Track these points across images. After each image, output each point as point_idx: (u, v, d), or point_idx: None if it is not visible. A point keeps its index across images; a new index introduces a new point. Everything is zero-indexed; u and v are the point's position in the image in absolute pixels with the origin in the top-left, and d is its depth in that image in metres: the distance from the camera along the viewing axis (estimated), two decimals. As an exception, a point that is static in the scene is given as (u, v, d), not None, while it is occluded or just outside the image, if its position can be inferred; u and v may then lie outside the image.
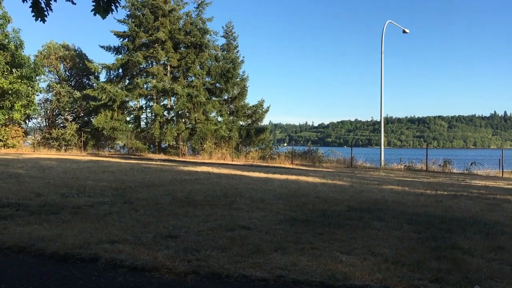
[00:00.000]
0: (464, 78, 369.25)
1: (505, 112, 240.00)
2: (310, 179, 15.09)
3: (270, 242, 5.80)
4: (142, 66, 36.47)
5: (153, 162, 23.07)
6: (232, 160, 29.26)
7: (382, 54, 28.78)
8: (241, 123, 37.38)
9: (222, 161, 27.81)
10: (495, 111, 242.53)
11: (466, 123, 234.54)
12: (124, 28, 43.41)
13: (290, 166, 25.73)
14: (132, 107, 38.18)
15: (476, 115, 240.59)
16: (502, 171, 24.02)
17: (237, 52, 38.09)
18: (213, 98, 37.18)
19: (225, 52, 37.81)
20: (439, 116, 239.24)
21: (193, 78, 36.88)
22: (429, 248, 5.74)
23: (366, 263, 4.99)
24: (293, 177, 15.48)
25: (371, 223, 7.28)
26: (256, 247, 5.51)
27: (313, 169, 23.09)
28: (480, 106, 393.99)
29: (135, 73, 36.87)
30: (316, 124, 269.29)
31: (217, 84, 37.15)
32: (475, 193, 12.20)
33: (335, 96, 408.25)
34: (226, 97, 37.97)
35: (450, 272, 4.73)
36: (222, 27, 40.57)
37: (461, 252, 5.52)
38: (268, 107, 37.39)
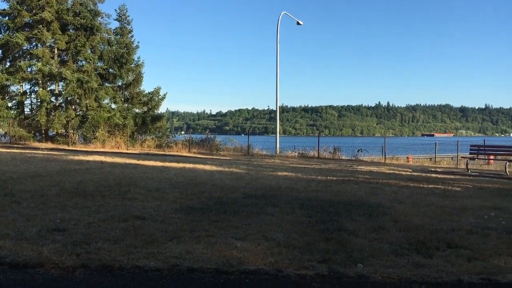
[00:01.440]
0: (353, 70, 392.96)
1: (388, 102, 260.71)
2: (207, 167, 15.12)
3: (165, 232, 5.72)
4: (25, 47, 33.66)
5: (39, 152, 21.54)
6: (127, 149, 28.32)
7: (278, 45, 29.56)
8: (136, 110, 36.19)
9: (116, 150, 26.79)
10: (379, 102, 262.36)
11: (354, 112, 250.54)
12: (4, 5, 39.66)
13: (188, 154, 25.56)
14: (14, 92, 35.13)
15: (363, 105, 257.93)
16: (385, 157, 26.03)
17: (132, 36, 36.72)
18: (106, 84, 35.52)
19: (119, 36, 36.24)
20: (330, 106, 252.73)
21: (83, 62, 34.85)
22: (318, 230, 6.04)
23: (259, 247, 5.12)
24: (190, 166, 15.40)
25: (265, 209, 7.48)
26: (151, 237, 5.40)
27: (210, 157, 23.16)
28: (366, 96, 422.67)
29: (17, 55, 33.92)
30: (214, 113, 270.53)
31: (110, 70, 35.52)
32: (360, 178, 13.08)
33: (233, 84, 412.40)
34: (120, 84, 36.48)
35: (336, 252, 5.03)
36: (115, 10, 38.61)
37: (347, 233, 5.89)
38: (165, 95, 36.66)
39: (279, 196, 8.85)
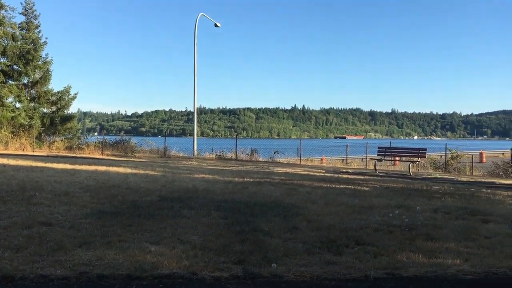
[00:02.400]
0: (270, 73, 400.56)
1: (303, 106, 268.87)
2: (121, 169, 14.62)
3: (73, 238, 5.43)
4: None
5: None
6: (34, 151, 26.60)
7: (195, 46, 29.36)
8: (44, 110, 34.02)
9: (21, 152, 25.06)
10: (295, 105, 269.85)
11: (271, 115, 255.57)
12: None
13: (100, 156, 24.54)
14: None
15: (280, 108, 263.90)
16: (300, 159, 26.81)
17: (39, 32, 34.52)
18: (10, 81, 33.06)
19: (25, 31, 33.95)
20: (248, 108, 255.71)
21: (-16, 58, 32.20)
22: (234, 232, 6.07)
23: (174, 251, 5.04)
24: (103, 168, 14.80)
25: (181, 211, 7.38)
26: (58, 244, 5.11)
27: (125, 159, 22.42)
28: (283, 99, 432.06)
29: None
30: (129, 113, 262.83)
31: (15, 67, 33.11)
32: (276, 179, 13.34)
33: (150, 85, 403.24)
34: (26, 82, 34.15)
35: (252, 253, 5.08)
36: (21, 3, 36.09)
37: (262, 234, 5.97)
38: (75, 94, 34.83)
39: (196, 199, 8.77)
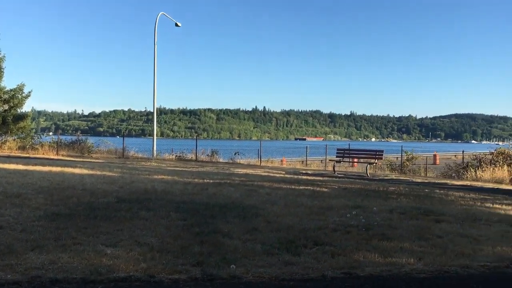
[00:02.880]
0: (232, 74, 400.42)
1: (264, 107, 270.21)
2: (77, 170, 14.23)
3: (25, 241, 5.24)
4: None
5: None
6: (-15, 151, 25.52)
7: (155, 45, 28.97)
8: (-5, 108, 32.72)
9: (-29, 152, 24.00)
10: (256, 106, 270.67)
11: (232, 116, 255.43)
12: None
13: (55, 157, 23.82)
14: None
15: (241, 109, 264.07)
16: (260, 160, 26.92)
17: (-10, 27, 33.20)
18: (-42, 78, 31.60)
19: (-25, 27, 32.54)
20: (209, 109, 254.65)
21: None
22: (193, 234, 6.02)
23: (131, 254, 4.94)
24: (58, 169, 14.36)
25: (139, 213, 7.25)
26: (8, 248, 4.91)
27: (81, 160, 21.85)
28: (244, 100, 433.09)
29: None
30: (86, 113, 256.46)
31: (-36, 63, 31.70)
32: (237, 181, 13.33)
33: (108, 84, 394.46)
34: (-25, 79, 32.71)
35: (211, 255, 5.05)
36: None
37: (222, 236, 5.95)
38: (29, 92, 33.58)
39: (154, 200, 8.64)
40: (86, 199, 8.39)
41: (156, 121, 30.36)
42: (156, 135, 29.29)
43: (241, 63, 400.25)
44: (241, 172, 17.10)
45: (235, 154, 27.24)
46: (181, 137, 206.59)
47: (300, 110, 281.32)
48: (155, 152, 27.48)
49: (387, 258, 5.16)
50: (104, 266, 4.46)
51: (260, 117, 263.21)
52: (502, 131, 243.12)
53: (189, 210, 7.73)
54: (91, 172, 13.99)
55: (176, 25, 30.19)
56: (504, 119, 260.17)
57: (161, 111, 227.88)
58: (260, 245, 5.58)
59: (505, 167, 19.66)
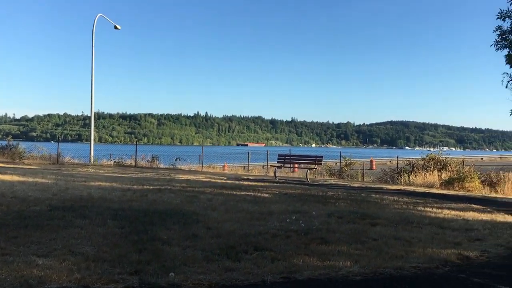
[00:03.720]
0: (173, 79, 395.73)
1: (206, 112, 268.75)
2: (7, 177, 13.49)
3: None
4: None
5: None
6: None
7: (93, 48, 28.10)
8: None
9: None
10: (198, 111, 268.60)
11: (173, 121, 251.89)
12: None
13: (-16, 163, 22.45)
14: None
15: (182, 114, 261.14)
16: (202, 166, 26.73)
17: None
18: None
19: None
20: (149, 114, 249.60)
21: None
22: (131, 242, 5.86)
23: (65, 264, 4.74)
24: (-14, 176, 13.55)
25: (74, 221, 6.98)
26: None
27: (12, 166, 20.73)
28: (186, 106, 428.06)
29: None
30: (18, 117, 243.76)
31: None
32: (177, 187, 13.16)
33: (41, 87, 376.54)
34: None
35: (149, 263, 4.94)
36: None
37: (161, 243, 5.84)
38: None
39: (91, 208, 8.35)
40: (17, 207, 7.98)
41: (94, 126, 29.39)
42: (94, 140, 28.35)
43: (180, 67, 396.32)
44: (182, 178, 16.90)
45: (176, 159, 26.86)
46: (120, 142, 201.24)
47: (242, 116, 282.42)
48: (92, 157, 26.59)
49: (325, 262, 5.27)
50: (35, 277, 4.24)
51: (202, 122, 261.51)
52: (433, 137, 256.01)
53: (128, 217, 7.53)
54: (22, 179, 13.31)
55: (115, 27, 29.47)
56: (435, 126, 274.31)
57: (99, 116, 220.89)
58: (200, 251, 5.53)
59: (436, 172, 20.70)
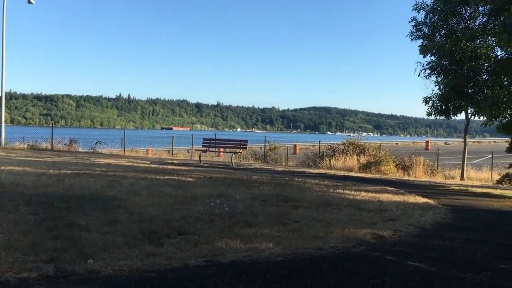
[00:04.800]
0: (95, 59, 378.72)
1: (129, 95, 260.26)
2: None
3: None
4: None
5: None
6: None
7: (4, 23, 26.08)
8: None
9: None
10: (120, 93, 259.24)
11: (94, 103, 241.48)
12: None
13: None
14: None
15: (103, 96, 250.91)
16: (124, 150, 25.94)
17: None
18: None
19: None
20: (67, 95, 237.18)
21: None
22: (46, 228, 5.57)
23: (-29, 254, 4.41)
24: None
25: (-18, 208, 6.50)
26: None
27: None
28: (107, 87, 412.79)
29: None
30: None
31: None
32: (97, 171, 12.69)
33: None
34: None
35: (66, 250, 4.72)
36: None
37: (79, 229, 5.60)
38: None
39: (1, 193, 7.83)
40: None
41: (5, 107, 27.45)
42: (5, 122, 26.49)
43: (100, 48, 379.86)
44: (103, 162, 16.31)
45: (96, 143, 25.83)
46: (35, 124, 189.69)
47: (166, 99, 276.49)
48: (3, 140, 24.86)
49: (249, 244, 5.34)
50: None
51: (124, 105, 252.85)
52: (353, 123, 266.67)
53: (42, 203, 7.14)
54: None
55: (29, 1, 27.52)
56: (355, 112, 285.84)
57: (11, 96, 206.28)
58: (121, 237, 5.37)
59: (355, 156, 21.67)
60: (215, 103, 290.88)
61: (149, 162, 17.74)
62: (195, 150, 24.87)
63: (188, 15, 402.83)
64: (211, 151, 22.01)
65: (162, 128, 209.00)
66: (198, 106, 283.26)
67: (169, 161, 19.38)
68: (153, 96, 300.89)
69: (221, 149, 24.34)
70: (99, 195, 8.23)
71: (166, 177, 11.93)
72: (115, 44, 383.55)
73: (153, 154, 29.47)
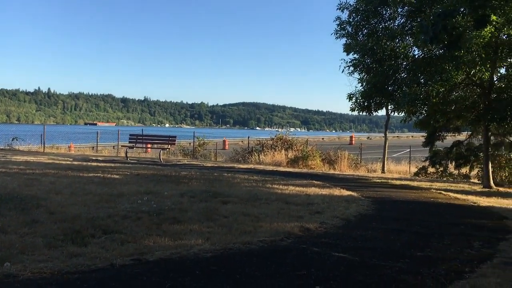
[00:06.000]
0: (11, 49, 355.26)
1: (49, 88, 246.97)
2: None
3: None
4: None
5: None
6: None
7: None
8: None
9: None
10: (39, 87, 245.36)
11: (9, 97, 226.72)
12: None
13: None
14: None
15: (20, 90, 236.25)
16: (44, 146, 24.64)
17: None
18: None
19: None
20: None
21: None
22: (-44, 232, 5.17)
23: None
24: None
25: None
26: None
27: None
28: (24, 81, 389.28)
29: None
30: None
31: None
32: (14, 169, 11.96)
33: None
34: None
35: (-22, 254, 4.41)
36: None
37: (-6, 231, 5.25)
38: None
39: None
40: None
41: None
42: None
43: (16, 35, 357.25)
44: (21, 160, 15.39)
45: (13, 139, 24.31)
46: None
47: (90, 94, 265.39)
48: None
49: (177, 241, 5.27)
50: None
51: (44, 99, 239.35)
52: (281, 119, 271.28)
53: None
54: None
55: None
56: (283, 108, 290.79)
57: None
58: (41, 238, 5.10)
59: (283, 151, 22.06)
60: (142, 98, 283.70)
61: (71, 159, 16.97)
62: (122, 146, 24.09)
63: (116, 6, 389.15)
64: (138, 147, 21.45)
65: (85, 124, 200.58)
66: (124, 101, 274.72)
67: (94, 158, 18.66)
68: (75, 90, 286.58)
69: (149, 145, 23.81)
70: (16, 194, 7.74)
71: (91, 175, 11.49)
72: (31, 34, 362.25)
73: (76, 151, 28.20)
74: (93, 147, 31.92)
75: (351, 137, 52.43)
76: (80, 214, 6.41)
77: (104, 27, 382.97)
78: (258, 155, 22.34)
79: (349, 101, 15.62)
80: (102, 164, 15.36)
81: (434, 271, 4.55)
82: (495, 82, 13.99)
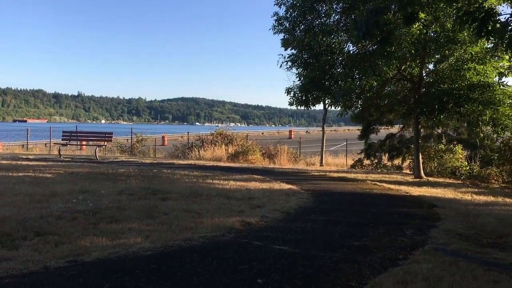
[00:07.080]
0: None
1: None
2: None
3: None
4: None
5: None
6: None
7: None
8: None
9: None
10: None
11: None
12: None
13: None
14: None
15: None
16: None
17: None
18: None
19: None
20: None
21: None
22: None
23: None
24: None
25: None
26: None
27: None
28: None
29: None
30: None
31: None
32: None
33: None
34: None
35: None
36: None
37: None
38: None
39: None
40: None
41: None
42: None
43: None
44: None
45: None
46: None
47: (19, 89, 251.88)
48: None
49: (115, 240, 5.12)
50: None
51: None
52: (221, 114, 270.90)
53: None
54: None
55: None
56: (223, 103, 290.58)
57: None
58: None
59: (223, 146, 22.04)
60: (76, 94, 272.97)
61: None
62: (54, 144, 23.08)
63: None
64: (72, 144, 20.67)
65: (14, 121, 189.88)
66: (56, 96, 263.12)
67: (24, 157, 17.73)
68: (3, 85, 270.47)
69: (84, 142, 22.97)
70: None
71: (20, 174, 10.92)
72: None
73: (4, 150, 26.66)
74: (23, 145, 30.32)
75: (290, 131, 53.19)
76: (10, 216, 6.06)
77: (29, 18, 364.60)
78: (198, 151, 22.18)
79: (287, 95, 15.85)
80: (34, 163, 14.64)
81: (370, 259, 4.72)
82: (424, 77, 14.70)
